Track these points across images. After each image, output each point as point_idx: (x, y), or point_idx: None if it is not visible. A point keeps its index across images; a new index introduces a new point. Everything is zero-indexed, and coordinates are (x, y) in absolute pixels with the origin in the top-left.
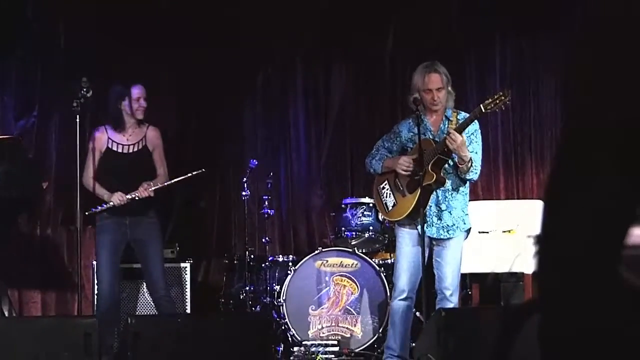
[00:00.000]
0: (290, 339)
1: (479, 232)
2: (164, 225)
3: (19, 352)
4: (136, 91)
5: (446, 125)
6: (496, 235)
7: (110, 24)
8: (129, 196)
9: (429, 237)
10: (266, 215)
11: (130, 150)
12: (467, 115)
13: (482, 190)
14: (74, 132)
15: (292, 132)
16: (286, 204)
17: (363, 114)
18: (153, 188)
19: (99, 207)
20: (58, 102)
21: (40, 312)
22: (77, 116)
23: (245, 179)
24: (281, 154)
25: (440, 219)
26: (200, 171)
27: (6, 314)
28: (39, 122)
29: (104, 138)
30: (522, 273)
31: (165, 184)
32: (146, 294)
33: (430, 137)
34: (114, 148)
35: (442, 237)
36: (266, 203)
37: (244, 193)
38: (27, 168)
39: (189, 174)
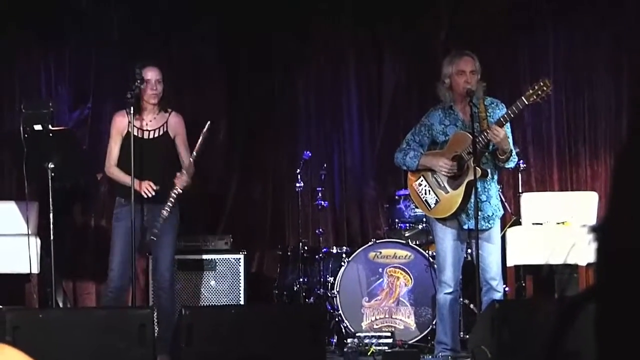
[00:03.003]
0: (343, 330)
1: (533, 224)
2: (216, 216)
3: (73, 343)
4: (149, 74)
5: (476, 113)
6: (550, 227)
7: (161, 11)
8: (173, 194)
9: (468, 229)
10: (320, 207)
11: (151, 136)
12: (495, 100)
13: (536, 182)
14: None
15: (346, 123)
16: (340, 196)
17: (416, 105)
18: (186, 175)
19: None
20: (112, 93)
21: (95, 303)
22: (132, 107)
23: (298, 170)
24: (335, 146)
25: (480, 209)
26: (208, 124)
27: (61, 305)
28: (93, 113)
29: (125, 122)
30: (577, 265)
31: (192, 159)
32: (200, 285)
33: (462, 127)
34: (135, 133)
35: (483, 227)
36: (320, 194)
37: (297, 184)
38: (81, 160)
39: (203, 134)
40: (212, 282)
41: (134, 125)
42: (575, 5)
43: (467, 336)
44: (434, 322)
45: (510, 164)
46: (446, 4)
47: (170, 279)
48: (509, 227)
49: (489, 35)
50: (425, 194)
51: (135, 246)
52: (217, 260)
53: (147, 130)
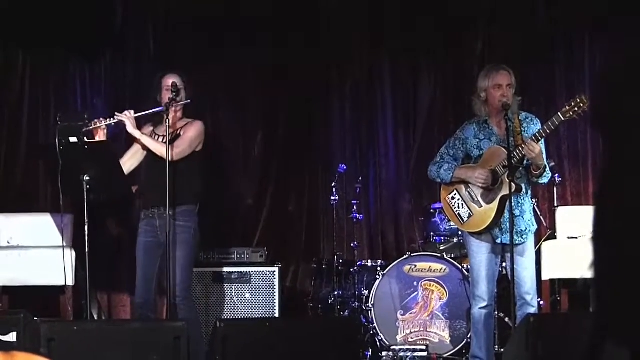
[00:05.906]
0: (378, 343)
1: (569, 238)
2: (251, 229)
3: (108, 355)
4: (168, 81)
5: (511, 128)
6: (585, 241)
7: (197, 26)
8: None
9: (502, 244)
10: (355, 220)
11: (163, 140)
12: (530, 115)
13: (572, 196)
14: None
15: (381, 136)
16: (375, 209)
17: (451, 119)
18: (131, 115)
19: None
20: (148, 105)
21: (130, 315)
22: (167, 119)
23: (334, 183)
24: (370, 159)
25: (513, 224)
26: (160, 108)
27: (95, 317)
28: None
29: (148, 130)
30: None
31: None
32: (235, 298)
33: (496, 142)
34: (152, 137)
35: (516, 242)
36: (355, 208)
37: (332, 198)
38: (117, 172)
39: (152, 110)
40: (247, 295)
41: (154, 131)
42: (612, 21)
43: (502, 350)
44: (468, 336)
45: (544, 180)
46: (483, 18)
47: (185, 292)
48: (544, 241)
49: (526, 50)
50: (459, 207)
51: (169, 259)
52: (252, 273)
53: (161, 135)
